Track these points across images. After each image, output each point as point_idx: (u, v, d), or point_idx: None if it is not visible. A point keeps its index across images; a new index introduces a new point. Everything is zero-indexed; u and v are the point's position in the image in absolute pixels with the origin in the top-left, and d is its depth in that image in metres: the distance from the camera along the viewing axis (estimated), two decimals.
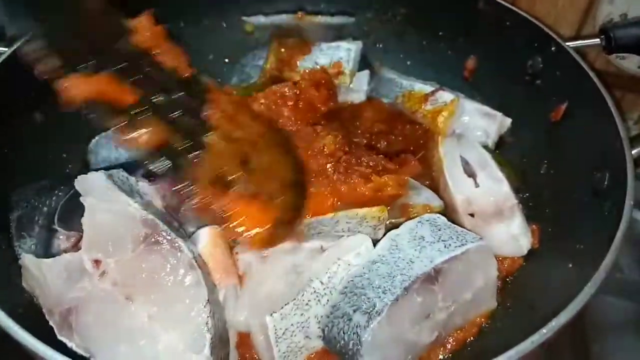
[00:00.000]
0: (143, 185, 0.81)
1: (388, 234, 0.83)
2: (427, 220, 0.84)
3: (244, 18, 1.15)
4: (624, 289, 0.98)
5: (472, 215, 0.93)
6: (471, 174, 0.96)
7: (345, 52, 1.12)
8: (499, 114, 1.08)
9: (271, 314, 0.76)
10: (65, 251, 0.78)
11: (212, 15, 1.20)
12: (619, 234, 0.75)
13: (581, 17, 1.20)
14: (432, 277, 0.76)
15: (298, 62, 1.12)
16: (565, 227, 0.91)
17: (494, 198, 0.93)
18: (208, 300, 0.71)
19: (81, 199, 0.75)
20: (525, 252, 0.93)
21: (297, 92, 1.02)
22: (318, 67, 1.11)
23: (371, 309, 0.73)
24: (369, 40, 1.22)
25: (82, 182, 0.77)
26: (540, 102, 1.04)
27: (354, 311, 0.75)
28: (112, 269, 0.73)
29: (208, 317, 0.70)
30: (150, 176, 0.82)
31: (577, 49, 1.00)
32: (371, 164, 0.92)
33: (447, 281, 0.77)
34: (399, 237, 0.82)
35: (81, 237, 0.75)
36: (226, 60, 1.24)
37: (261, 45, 1.20)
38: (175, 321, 0.71)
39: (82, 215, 0.75)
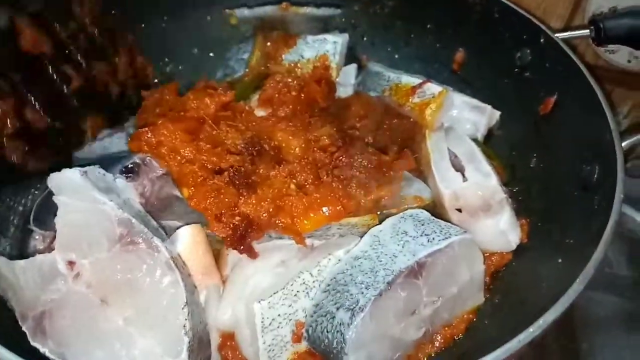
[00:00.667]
0: (120, 182, 0.78)
1: (370, 230, 0.82)
2: (410, 216, 0.83)
3: (227, 10, 1.13)
4: (613, 285, 0.97)
5: (459, 210, 0.91)
6: (459, 168, 0.94)
7: (332, 45, 1.10)
8: (488, 107, 1.06)
9: (259, 301, 0.74)
10: (41, 252, 0.76)
11: (197, 9, 1.18)
12: (608, 229, 0.74)
13: (571, 9, 1.18)
14: (416, 271, 0.75)
15: (283, 56, 1.10)
16: (555, 222, 0.90)
17: (481, 192, 0.91)
18: (186, 302, 0.69)
19: (54, 197, 0.72)
20: (514, 247, 0.91)
21: (302, 84, 1.01)
22: (304, 60, 1.09)
23: (354, 305, 0.72)
24: (356, 33, 1.20)
25: (56, 180, 0.73)
26: (529, 95, 1.03)
27: (337, 309, 0.73)
28: (86, 270, 0.70)
29: (186, 319, 0.68)
30: (128, 172, 0.79)
31: (567, 42, 0.98)
32: (365, 163, 0.90)
33: (431, 275, 0.77)
34: (382, 232, 0.81)
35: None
36: (211, 54, 1.21)
37: (246, 39, 1.17)
38: (152, 324, 0.69)
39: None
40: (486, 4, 1.07)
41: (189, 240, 0.79)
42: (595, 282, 0.70)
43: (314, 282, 0.78)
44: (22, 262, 0.72)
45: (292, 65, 1.10)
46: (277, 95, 1.01)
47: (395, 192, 0.90)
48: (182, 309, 0.68)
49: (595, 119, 0.88)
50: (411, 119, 1.06)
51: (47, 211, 0.76)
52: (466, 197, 0.91)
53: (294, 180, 0.85)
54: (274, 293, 0.76)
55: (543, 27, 1.00)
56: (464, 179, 0.93)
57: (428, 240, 0.78)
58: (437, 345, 0.82)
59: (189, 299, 0.70)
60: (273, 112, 1.00)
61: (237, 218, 0.81)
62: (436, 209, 0.93)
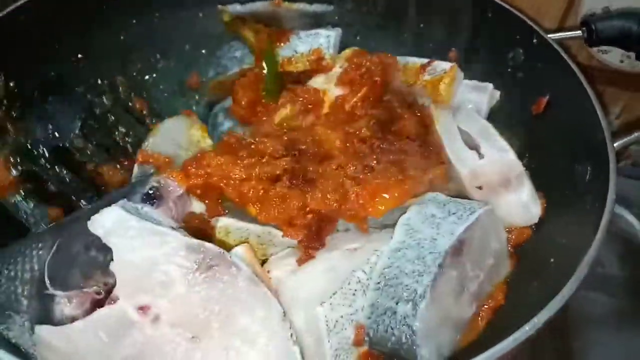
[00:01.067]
0: (150, 211, 0.72)
1: (399, 220, 0.81)
2: (429, 200, 0.84)
3: (220, 7, 1.11)
4: (605, 284, 0.98)
5: (480, 188, 0.90)
6: (473, 146, 0.93)
7: (325, 39, 1.08)
8: (489, 85, 1.06)
9: (321, 304, 0.72)
10: (75, 317, 0.66)
11: (189, 5, 1.16)
12: (601, 229, 0.74)
13: (563, 10, 1.19)
14: (459, 248, 0.75)
15: (278, 51, 1.08)
16: (548, 221, 0.90)
17: (500, 168, 0.90)
18: (284, 312, 0.66)
19: (105, 241, 0.66)
20: (536, 219, 0.90)
21: (381, 70, 1.01)
22: (298, 54, 1.07)
23: (413, 295, 0.71)
24: (349, 33, 1.18)
25: (98, 223, 0.67)
26: (522, 95, 1.03)
27: (396, 303, 0.72)
28: (166, 311, 0.64)
29: (290, 329, 0.66)
30: (152, 199, 0.74)
31: (560, 42, 0.99)
32: (406, 148, 0.90)
33: (470, 250, 0.77)
34: (411, 220, 0.81)
35: (85, 294, 0.66)
36: (203, 51, 1.20)
37: (237, 37, 1.14)
38: (254, 346, 0.64)
39: (83, 268, 0.66)
40: (480, 3, 1.07)
41: (248, 255, 0.74)
42: (588, 281, 0.70)
43: (367, 279, 0.77)
44: (78, 323, 0.64)
45: (287, 60, 1.08)
46: (357, 79, 1.00)
47: (445, 173, 0.90)
48: (283, 320, 0.65)
49: (588, 119, 0.88)
50: (416, 111, 1.03)
51: (63, 267, 0.68)
52: (485, 175, 0.90)
53: (347, 172, 0.85)
54: (333, 294, 0.74)
55: (536, 27, 1.01)
56: (480, 156, 0.92)
57: (458, 218, 0.78)
58: (485, 319, 0.81)
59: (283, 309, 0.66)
60: (351, 92, 0.99)
61: (309, 216, 0.80)
62: (456, 189, 0.92)
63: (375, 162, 0.85)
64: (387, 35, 1.20)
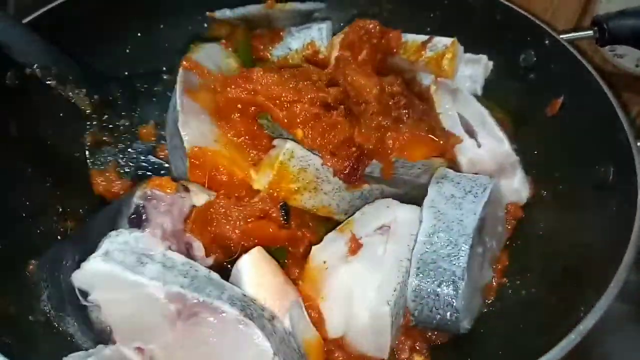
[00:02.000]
0: (139, 237, 0.71)
1: (425, 203, 0.83)
2: (442, 178, 0.86)
3: (208, 13, 1.06)
4: (621, 291, 0.95)
5: (476, 174, 0.91)
6: (470, 131, 0.96)
7: (317, 32, 1.05)
8: (483, 57, 1.05)
9: (387, 303, 0.75)
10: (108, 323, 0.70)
11: (193, 16, 1.14)
12: (636, 228, 0.71)
13: (577, 15, 1.18)
14: (480, 226, 0.80)
15: (272, 52, 1.06)
16: (569, 227, 0.88)
17: (495, 157, 0.95)
18: (274, 351, 0.64)
19: (89, 299, 0.67)
20: (525, 201, 0.96)
21: (381, 34, 1.01)
22: (293, 52, 1.04)
23: (453, 277, 0.77)
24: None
25: (82, 278, 0.67)
26: (535, 96, 1.00)
27: (438, 286, 0.77)
28: (158, 354, 0.66)
29: None
30: (138, 222, 0.73)
31: (575, 45, 0.96)
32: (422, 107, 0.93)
33: (487, 224, 0.83)
34: (434, 202, 0.83)
35: None
36: None
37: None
38: None
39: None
40: (487, 6, 1.05)
41: (252, 270, 0.73)
42: None
43: (407, 264, 0.80)
44: None
45: (282, 59, 1.04)
46: (356, 42, 1.00)
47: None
48: (274, 357, 0.64)
49: (607, 119, 0.85)
50: (416, 90, 1.03)
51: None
52: (482, 163, 0.95)
53: (380, 122, 0.86)
54: (394, 291, 0.76)
55: (547, 28, 0.98)
56: (478, 145, 0.95)
57: (474, 196, 0.82)
58: (497, 280, 0.88)
59: (275, 344, 0.65)
60: (352, 55, 0.99)
61: (354, 149, 0.83)
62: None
63: (406, 116, 0.88)
64: None
